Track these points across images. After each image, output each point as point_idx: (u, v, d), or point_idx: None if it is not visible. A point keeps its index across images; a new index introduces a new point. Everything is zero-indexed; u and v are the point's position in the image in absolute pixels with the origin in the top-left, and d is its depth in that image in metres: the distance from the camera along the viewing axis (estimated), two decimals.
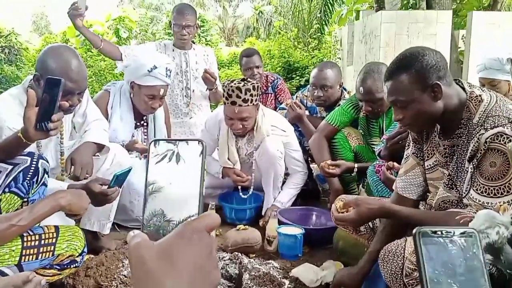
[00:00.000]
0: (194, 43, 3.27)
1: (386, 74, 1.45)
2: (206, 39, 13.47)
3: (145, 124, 2.59)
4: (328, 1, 10.55)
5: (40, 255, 1.40)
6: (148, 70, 2.31)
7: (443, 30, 6.22)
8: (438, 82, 1.34)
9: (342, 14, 8.60)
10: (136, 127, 2.56)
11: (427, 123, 1.45)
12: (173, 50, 3.12)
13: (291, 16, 12.32)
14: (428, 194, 1.61)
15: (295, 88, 7.77)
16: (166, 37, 11.32)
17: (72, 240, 1.48)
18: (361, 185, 2.66)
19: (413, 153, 1.59)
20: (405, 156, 1.64)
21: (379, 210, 1.48)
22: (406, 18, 6.20)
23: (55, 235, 1.44)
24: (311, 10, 11.18)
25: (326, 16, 10.93)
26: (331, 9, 10.73)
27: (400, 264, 1.26)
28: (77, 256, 1.50)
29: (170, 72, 2.41)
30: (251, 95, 2.34)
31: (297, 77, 8.22)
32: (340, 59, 8.58)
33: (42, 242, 1.41)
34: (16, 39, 9.73)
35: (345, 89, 2.94)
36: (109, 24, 9.32)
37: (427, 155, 1.54)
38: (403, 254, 1.25)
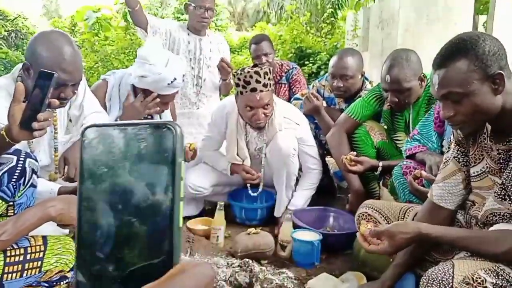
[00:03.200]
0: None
1: (437, 60, 1.21)
2: (216, 23, 13.15)
3: (149, 118, 2.40)
4: None
5: (25, 272, 1.22)
6: (168, 84, 2.19)
7: (464, 16, 5.89)
8: (502, 72, 1.12)
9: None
10: None
11: (481, 122, 1.23)
12: (188, 34, 2.93)
13: (303, 0, 11.92)
14: (467, 202, 1.41)
15: (307, 75, 7.51)
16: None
17: (62, 254, 1.29)
18: (381, 183, 2.45)
19: (454, 157, 1.37)
20: (444, 160, 1.42)
21: (417, 237, 1.25)
22: (426, 2, 5.88)
23: (42, 249, 1.26)
24: None
25: (340, 0, 10.55)
26: None
27: None
28: (67, 272, 1.32)
29: (184, 76, 2.34)
30: (269, 78, 2.18)
31: (309, 64, 7.94)
32: (356, 44, 8.27)
33: (28, 257, 1.22)
34: (23, 23, 9.54)
35: (366, 79, 2.69)
36: (118, 8, 9.07)
37: (474, 161, 1.32)
38: (451, 284, 1.05)
